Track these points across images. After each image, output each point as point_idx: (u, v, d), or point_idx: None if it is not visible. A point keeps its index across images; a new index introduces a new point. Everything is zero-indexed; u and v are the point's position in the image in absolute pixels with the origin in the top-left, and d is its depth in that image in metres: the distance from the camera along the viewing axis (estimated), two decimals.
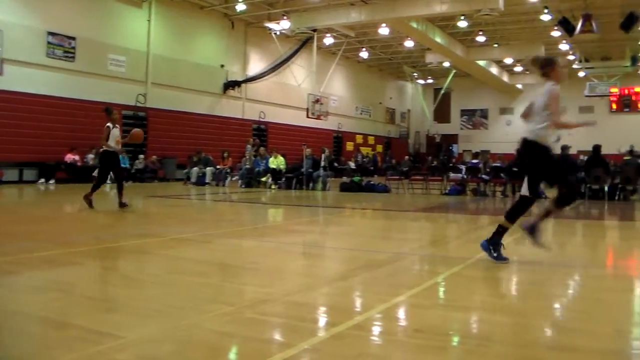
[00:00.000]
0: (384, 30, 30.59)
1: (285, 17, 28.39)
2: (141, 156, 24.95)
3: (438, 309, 4.65)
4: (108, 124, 12.10)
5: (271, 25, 30.11)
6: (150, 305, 4.46)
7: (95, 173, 15.73)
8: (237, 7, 27.85)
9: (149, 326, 3.86)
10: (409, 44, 34.02)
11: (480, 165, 21.22)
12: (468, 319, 4.36)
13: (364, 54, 37.86)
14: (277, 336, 3.82)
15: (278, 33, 30.88)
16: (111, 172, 13.39)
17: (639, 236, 10.77)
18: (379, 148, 44.59)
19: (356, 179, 22.50)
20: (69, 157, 22.23)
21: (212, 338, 3.65)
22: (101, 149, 12.43)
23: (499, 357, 3.44)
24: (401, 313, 4.49)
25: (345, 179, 23.58)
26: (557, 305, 4.88)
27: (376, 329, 4.00)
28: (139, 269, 6.12)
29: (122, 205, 11.98)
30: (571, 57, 37.43)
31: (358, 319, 4.10)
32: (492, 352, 3.51)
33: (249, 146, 24.73)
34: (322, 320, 4.24)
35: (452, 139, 49.01)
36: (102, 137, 12.11)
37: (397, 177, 22.26)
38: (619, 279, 6.37)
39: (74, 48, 23.13)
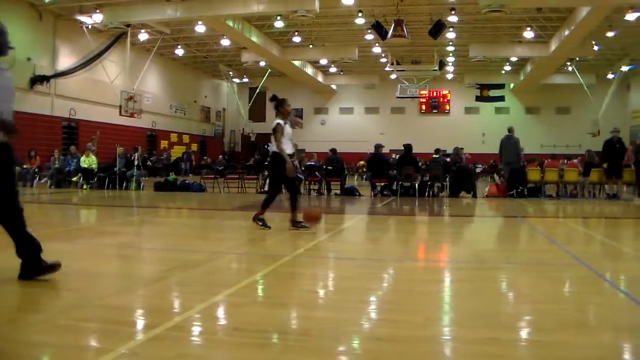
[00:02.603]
0: (200, 28, 30.19)
1: (97, 11, 27.21)
2: None
3: (257, 306, 4.70)
4: (278, 121, 9.46)
5: (83, 18, 28.70)
6: None
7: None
8: None
9: None
10: (225, 42, 33.93)
11: (296, 164, 21.61)
12: (287, 315, 4.45)
13: (179, 52, 37.11)
14: (93, 342, 3.68)
15: (90, 27, 29.50)
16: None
17: (446, 230, 11.46)
18: (194, 147, 44.10)
19: (171, 178, 22.16)
20: None
21: (21, 349, 3.44)
22: (269, 152, 9.84)
23: (318, 351, 3.53)
24: (220, 312, 4.49)
25: (159, 178, 23.16)
26: (372, 298, 5.09)
27: (195, 329, 3.97)
28: None
29: (296, 224, 9.60)
30: (383, 60, 39.11)
31: (176, 320, 4.05)
32: (310, 347, 3.60)
33: (90, 144, 23.68)
34: (140, 323, 4.14)
35: (267, 137, 49.27)
36: (275, 137, 9.43)
37: (213, 176, 22.15)
38: (428, 270, 6.77)
39: None
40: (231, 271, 6.38)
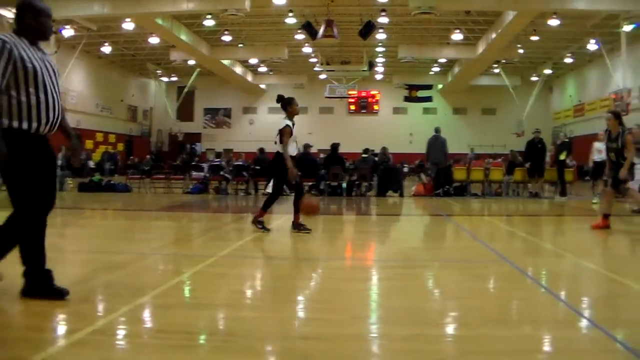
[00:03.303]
0: (128, 26, 29.58)
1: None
2: None
3: (183, 307, 4.63)
4: (287, 122, 9.05)
5: (3, 12, 27.81)
6: None
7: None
8: None
9: None
10: (153, 40, 33.32)
11: (223, 164, 21.49)
12: (213, 316, 4.40)
13: (106, 49, 36.28)
14: (10, 351, 3.51)
15: (11, 21, 28.56)
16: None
17: (373, 229, 11.55)
18: (120, 146, 43.28)
19: (95, 178, 21.71)
20: None
21: None
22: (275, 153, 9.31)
23: (244, 351, 3.51)
24: (145, 314, 4.40)
25: (83, 179, 22.66)
26: (299, 298, 5.10)
27: (119, 332, 3.88)
28: None
29: (297, 226, 9.21)
30: (313, 60, 39.23)
31: (100, 323, 3.95)
32: (237, 347, 3.57)
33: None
34: (61, 328, 4.02)
35: (195, 137, 48.90)
36: (282, 139, 8.96)
37: (139, 176, 21.80)
38: (355, 269, 6.81)
39: None
40: (157, 272, 6.27)
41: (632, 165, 9.68)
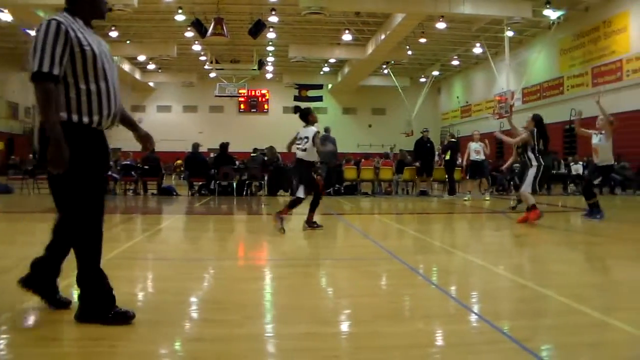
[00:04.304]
0: (5, 17, 28.13)
1: None
2: None
3: (70, 312, 4.42)
4: (314, 129, 9.95)
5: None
6: None
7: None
8: None
9: None
10: (35, 33, 31.96)
11: (112, 164, 20.95)
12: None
13: None
14: None
15: None
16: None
17: (264, 228, 11.50)
18: (0, 145, 41.35)
19: None
20: None
21: None
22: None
23: (137, 355, 3.44)
24: (29, 321, 4.20)
25: None
26: (191, 299, 5.00)
27: (0, 342, 3.69)
28: None
29: (311, 223, 10.11)
30: (203, 58, 38.83)
31: None
32: (129, 351, 3.50)
33: None
34: None
35: None
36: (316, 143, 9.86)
37: (21, 176, 20.91)
38: (247, 268, 6.79)
39: None
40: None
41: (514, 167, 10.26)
